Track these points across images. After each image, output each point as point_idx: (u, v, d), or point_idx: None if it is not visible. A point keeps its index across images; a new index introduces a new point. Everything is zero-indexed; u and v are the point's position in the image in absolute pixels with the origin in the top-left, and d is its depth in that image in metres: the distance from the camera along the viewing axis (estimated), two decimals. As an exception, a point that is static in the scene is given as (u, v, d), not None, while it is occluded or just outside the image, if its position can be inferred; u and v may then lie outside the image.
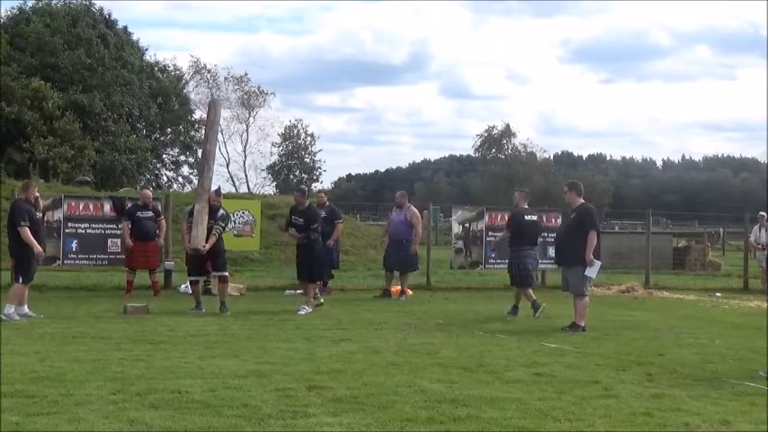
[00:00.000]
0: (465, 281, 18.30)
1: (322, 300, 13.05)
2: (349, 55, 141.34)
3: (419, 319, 12.01)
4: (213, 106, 14.52)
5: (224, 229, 12.91)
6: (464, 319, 12.11)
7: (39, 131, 35.95)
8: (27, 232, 10.96)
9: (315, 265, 12.93)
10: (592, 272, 10.91)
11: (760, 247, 19.08)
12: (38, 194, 11.97)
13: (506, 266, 13.44)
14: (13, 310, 10.92)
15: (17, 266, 11.38)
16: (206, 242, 12.33)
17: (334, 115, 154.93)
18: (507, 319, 12.23)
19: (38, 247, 11.02)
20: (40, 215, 12.52)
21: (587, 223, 10.96)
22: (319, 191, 15.98)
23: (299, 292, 15.98)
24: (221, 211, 12.81)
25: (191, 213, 15.55)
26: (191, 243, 12.39)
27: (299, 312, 12.26)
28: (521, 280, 12.77)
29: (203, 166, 13.65)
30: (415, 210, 15.59)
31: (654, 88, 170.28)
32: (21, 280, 11.14)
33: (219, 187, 14.30)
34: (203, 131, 14.48)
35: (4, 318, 10.69)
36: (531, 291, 12.85)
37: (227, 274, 12.77)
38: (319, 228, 13.24)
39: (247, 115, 53.08)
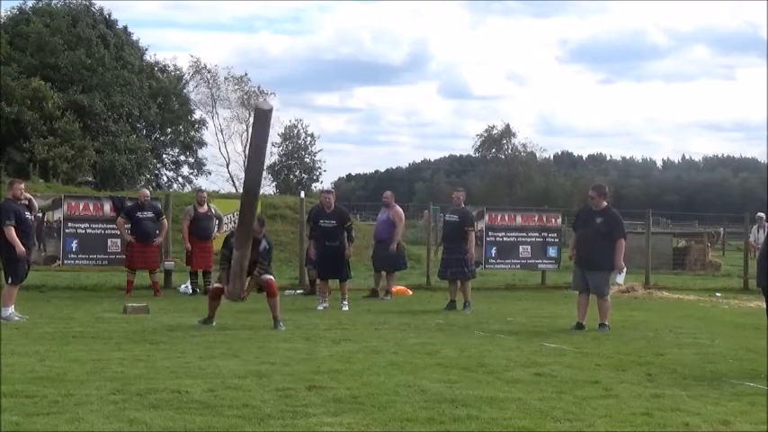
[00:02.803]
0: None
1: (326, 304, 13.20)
2: (348, 55, 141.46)
3: (419, 319, 12.02)
4: (261, 115, 9.76)
5: (268, 265, 11.08)
6: (464, 319, 12.13)
7: (39, 131, 35.92)
8: (11, 231, 10.86)
9: (342, 266, 13.33)
10: (621, 278, 11.30)
11: (759, 247, 19.07)
12: (29, 195, 11.69)
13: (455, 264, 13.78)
14: (10, 311, 10.89)
15: (6, 267, 11.26)
16: (245, 291, 10.62)
17: (333, 115, 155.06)
18: (465, 313, 12.94)
19: (20, 248, 10.86)
20: (37, 215, 12.25)
21: (617, 231, 11.25)
22: (328, 191, 15.37)
23: (299, 292, 16.04)
24: (263, 244, 10.83)
25: (193, 215, 15.56)
26: (228, 296, 10.57)
27: (344, 309, 12.97)
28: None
29: (247, 202, 9.97)
30: (399, 209, 15.68)
31: (653, 88, 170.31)
32: (10, 281, 11.07)
33: (263, 217, 11.65)
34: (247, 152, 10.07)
35: (3, 320, 10.65)
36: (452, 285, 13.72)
37: (272, 277, 11.11)
38: (352, 227, 13.85)
39: (247, 115, 52.97)
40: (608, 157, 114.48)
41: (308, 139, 57.26)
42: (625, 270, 11.49)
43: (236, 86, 52.09)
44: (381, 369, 7.66)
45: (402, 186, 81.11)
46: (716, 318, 13.28)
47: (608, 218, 11.27)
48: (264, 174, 56.25)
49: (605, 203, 11.45)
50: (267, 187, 54.90)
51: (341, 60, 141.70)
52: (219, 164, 51.99)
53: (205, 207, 15.71)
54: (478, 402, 6.31)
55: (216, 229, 15.77)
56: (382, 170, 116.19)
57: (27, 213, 11.26)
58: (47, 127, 36.15)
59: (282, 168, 57.02)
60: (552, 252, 18.40)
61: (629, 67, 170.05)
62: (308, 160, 56.94)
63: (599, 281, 11.25)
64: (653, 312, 13.79)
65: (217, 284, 11.07)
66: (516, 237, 18.23)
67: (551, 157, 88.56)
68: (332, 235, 13.31)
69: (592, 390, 6.95)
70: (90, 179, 36.16)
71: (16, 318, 10.81)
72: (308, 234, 14.73)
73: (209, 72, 52.06)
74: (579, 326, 11.12)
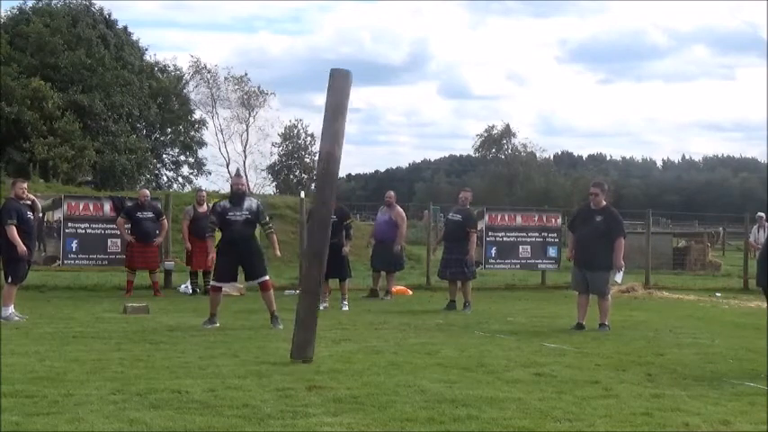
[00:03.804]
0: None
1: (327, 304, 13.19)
2: (348, 55, 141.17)
3: (419, 319, 12.02)
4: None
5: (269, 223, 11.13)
6: (464, 319, 12.12)
7: (39, 131, 35.93)
8: (13, 231, 10.85)
9: (342, 265, 13.36)
10: (619, 277, 11.44)
11: (759, 247, 19.09)
12: (32, 196, 11.69)
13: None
14: (10, 311, 10.89)
15: (6, 266, 11.26)
16: (278, 250, 11.00)
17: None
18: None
19: (21, 247, 10.85)
20: (38, 215, 12.18)
21: (617, 230, 11.24)
22: None
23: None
24: (252, 202, 10.86)
25: (193, 215, 15.55)
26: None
27: (344, 308, 13.07)
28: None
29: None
30: (400, 209, 15.65)
31: (653, 88, 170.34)
32: (9, 280, 11.06)
33: (238, 169, 12.75)
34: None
35: (3, 320, 10.65)
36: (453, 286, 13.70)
37: (267, 278, 10.92)
38: (352, 223, 14.04)
39: (247, 115, 53.04)
40: (608, 157, 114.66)
41: (308, 139, 57.24)
42: (623, 269, 11.47)
43: (236, 86, 52.10)
44: (381, 369, 7.65)
45: (402, 186, 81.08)
46: (716, 318, 13.27)
47: (607, 216, 11.24)
48: (264, 174, 56.58)
49: (604, 202, 11.44)
50: (267, 187, 54.99)
51: (341, 60, 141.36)
52: (219, 164, 52.04)
53: (205, 207, 15.70)
54: (478, 402, 6.31)
55: (216, 229, 15.77)
56: (382, 170, 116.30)
57: (29, 213, 11.25)
58: (47, 127, 36.16)
59: (282, 168, 57.06)
60: (552, 252, 18.41)
61: (628, 67, 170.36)
62: (308, 160, 56.90)
63: (599, 281, 11.22)
64: (653, 312, 13.79)
65: (214, 282, 10.99)
66: (516, 237, 18.24)
67: (551, 157, 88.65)
68: (331, 231, 13.26)
69: (592, 390, 6.95)
70: (90, 179, 36.17)
71: (16, 318, 10.81)
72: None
73: (209, 72, 52.09)
74: (579, 326, 11.11)
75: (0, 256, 11.30)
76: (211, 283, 11.12)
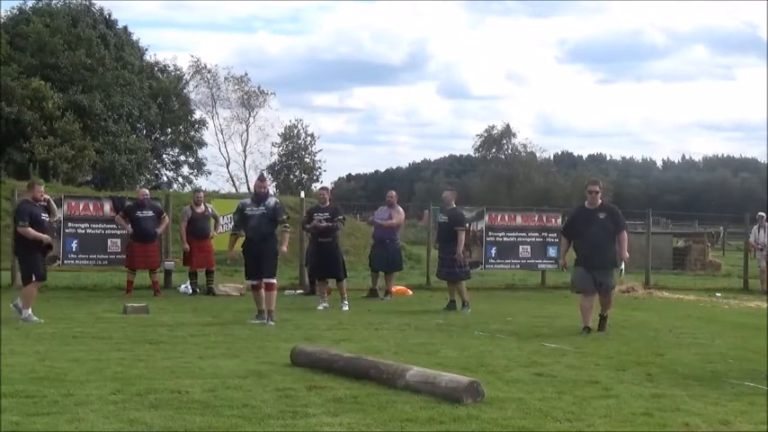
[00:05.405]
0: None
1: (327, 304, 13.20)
2: (346, 55, 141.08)
3: (419, 319, 12.03)
4: None
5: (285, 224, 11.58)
6: (464, 319, 12.13)
7: (39, 131, 35.88)
8: (27, 231, 10.95)
9: (338, 264, 13.41)
10: (623, 269, 11.46)
11: (759, 247, 19.13)
12: (48, 197, 11.77)
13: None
14: (30, 311, 10.90)
15: (24, 265, 11.33)
16: (283, 245, 11.48)
17: (332, 115, 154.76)
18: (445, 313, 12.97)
19: (47, 238, 11.08)
20: (53, 217, 12.17)
21: (622, 224, 11.28)
22: (324, 187, 15.94)
23: (299, 292, 16.04)
24: (272, 200, 11.56)
25: (191, 215, 15.54)
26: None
27: (344, 308, 13.02)
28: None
29: None
30: (400, 209, 15.75)
31: (652, 88, 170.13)
32: (34, 279, 11.13)
33: (261, 173, 13.42)
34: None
35: (22, 321, 10.67)
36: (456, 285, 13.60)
37: (275, 281, 11.45)
38: (344, 220, 14.05)
39: (247, 115, 53.02)
40: (608, 157, 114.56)
41: (308, 139, 57.24)
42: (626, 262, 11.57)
43: (236, 86, 52.08)
44: (381, 369, 7.64)
45: (402, 186, 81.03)
46: (716, 318, 13.28)
47: (610, 212, 11.19)
48: (265, 173, 56.54)
49: (600, 200, 11.41)
50: (267, 187, 54.85)
51: (340, 60, 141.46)
52: (219, 164, 52.04)
53: (202, 207, 15.74)
54: (478, 402, 6.31)
55: (213, 228, 15.79)
56: (382, 170, 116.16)
57: (44, 215, 11.34)
58: (47, 127, 36.10)
59: (282, 168, 56.98)
60: (552, 252, 18.39)
61: (628, 67, 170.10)
62: (308, 160, 56.90)
63: (609, 279, 11.17)
64: (653, 312, 13.80)
65: (249, 281, 11.54)
66: (516, 237, 18.24)
67: (551, 157, 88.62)
68: (325, 230, 13.34)
69: (592, 390, 6.95)
70: (90, 179, 36.13)
71: (34, 319, 10.78)
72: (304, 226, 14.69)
73: (209, 72, 52.04)
74: (587, 330, 10.82)
75: (16, 256, 11.52)
76: (248, 282, 11.79)
